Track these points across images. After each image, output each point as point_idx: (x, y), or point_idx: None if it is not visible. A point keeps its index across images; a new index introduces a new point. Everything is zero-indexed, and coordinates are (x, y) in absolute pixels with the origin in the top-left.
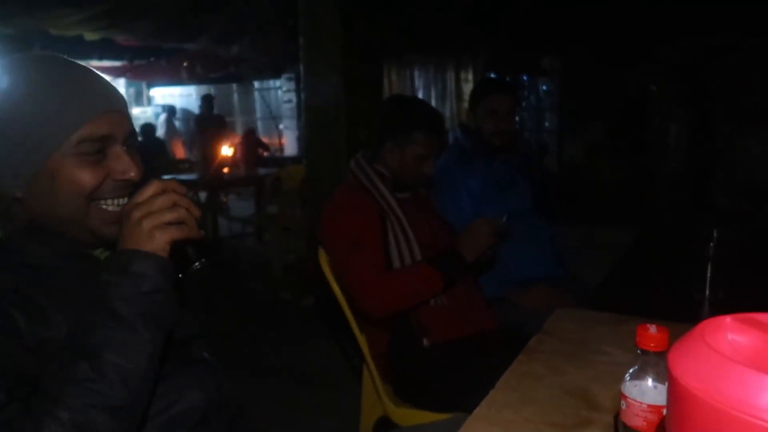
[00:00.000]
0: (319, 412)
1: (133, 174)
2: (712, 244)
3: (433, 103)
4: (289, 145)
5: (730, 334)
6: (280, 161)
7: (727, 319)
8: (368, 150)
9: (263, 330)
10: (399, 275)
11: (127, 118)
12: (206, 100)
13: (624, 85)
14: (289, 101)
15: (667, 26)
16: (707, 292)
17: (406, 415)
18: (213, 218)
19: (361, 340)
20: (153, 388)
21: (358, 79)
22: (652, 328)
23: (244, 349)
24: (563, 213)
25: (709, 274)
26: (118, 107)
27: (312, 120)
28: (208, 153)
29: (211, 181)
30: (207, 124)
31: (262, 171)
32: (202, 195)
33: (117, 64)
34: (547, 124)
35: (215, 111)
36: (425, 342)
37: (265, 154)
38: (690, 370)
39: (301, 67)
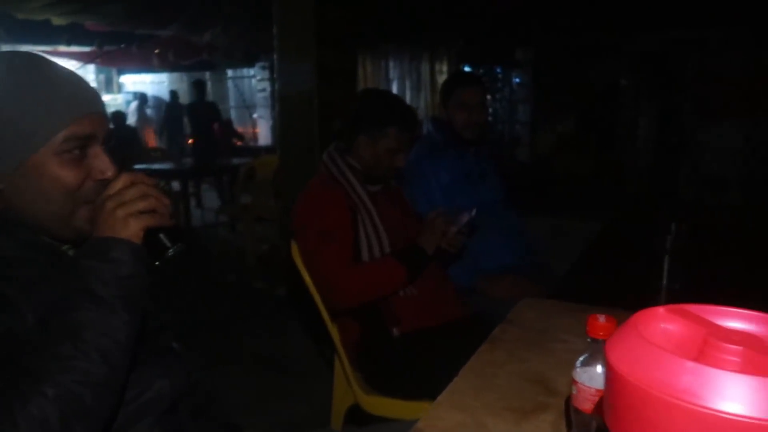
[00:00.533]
0: (291, 400)
1: (110, 174)
2: (669, 236)
3: (408, 94)
4: (263, 134)
5: (662, 323)
6: (254, 151)
7: (661, 310)
8: (341, 142)
9: (236, 319)
10: (365, 268)
11: (107, 119)
12: (197, 87)
13: (594, 79)
14: (263, 90)
15: (636, 19)
16: (665, 282)
17: (376, 403)
18: (185, 208)
19: (333, 329)
20: (129, 370)
21: (332, 69)
22: (601, 318)
23: (218, 338)
24: (534, 203)
25: (666, 266)
26: (100, 109)
27: (285, 109)
28: (198, 141)
29: (200, 169)
30: (198, 111)
31: (235, 160)
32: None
33: (86, 49)
34: (519, 115)
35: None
36: (395, 331)
37: (239, 143)
38: (622, 355)
39: (275, 56)
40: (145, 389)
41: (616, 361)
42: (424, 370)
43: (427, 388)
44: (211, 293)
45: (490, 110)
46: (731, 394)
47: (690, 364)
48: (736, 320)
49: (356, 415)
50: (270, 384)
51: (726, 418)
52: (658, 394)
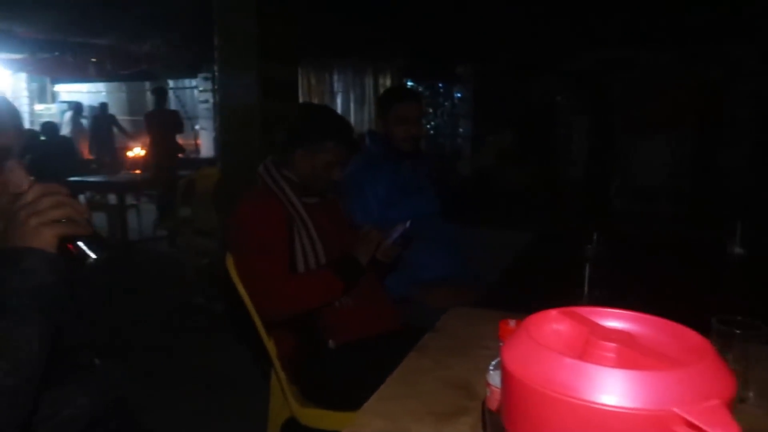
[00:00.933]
0: (227, 416)
1: (26, 187)
2: (590, 245)
3: (352, 107)
4: (206, 146)
5: (553, 324)
6: (196, 163)
7: (553, 312)
8: (277, 155)
9: (175, 335)
10: (300, 278)
11: (23, 133)
12: (157, 94)
13: (532, 95)
14: (206, 101)
15: (570, 40)
16: (586, 288)
17: (311, 415)
18: (122, 221)
19: (268, 342)
20: (41, 382)
21: (274, 81)
22: (511, 323)
23: (154, 355)
24: (474, 215)
25: (587, 273)
26: (16, 123)
27: (227, 121)
28: (156, 151)
29: (162, 182)
30: (157, 120)
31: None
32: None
33: (17, 56)
34: (460, 130)
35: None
36: (331, 343)
37: (180, 155)
38: (513, 355)
39: (216, 68)
40: (62, 408)
41: (508, 360)
42: (359, 381)
43: (363, 399)
44: (148, 309)
45: (433, 124)
46: (605, 387)
47: (569, 361)
48: (616, 320)
49: (292, 428)
50: (206, 400)
51: (601, 409)
52: (541, 389)
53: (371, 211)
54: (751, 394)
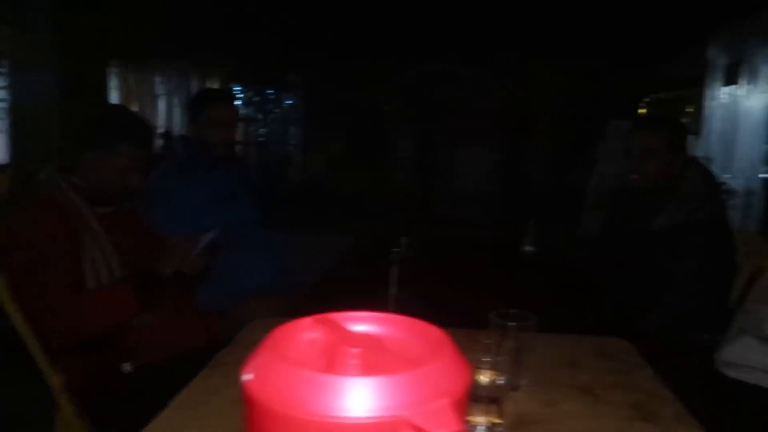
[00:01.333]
0: None
1: None
2: (397, 250)
3: (176, 111)
4: None
5: (306, 333)
6: None
7: (307, 321)
8: (64, 161)
9: None
10: (88, 296)
11: None
12: None
13: (361, 104)
14: (1, 100)
15: (395, 53)
16: (393, 291)
17: None
18: None
19: (51, 372)
20: None
21: (80, 81)
22: None
23: None
24: (301, 221)
25: (395, 276)
26: None
27: (20, 123)
28: None
29: None
30: None
31: None
32: None
33: None
34: (291, 136)
35: None
36: (127, 367)
37: None
38: (252, 367)
39: (7, 62)
40: None
41: (247, 372)
42: (158, 407)
43: None
44: None
45: (262, 131)
46: (339, 398)
47: (306, 374)
48: (367, 324)
49: None
50: None
51: (331, 423)
52: (272, 405)
53: (180, 220)
54: (524, 381)
